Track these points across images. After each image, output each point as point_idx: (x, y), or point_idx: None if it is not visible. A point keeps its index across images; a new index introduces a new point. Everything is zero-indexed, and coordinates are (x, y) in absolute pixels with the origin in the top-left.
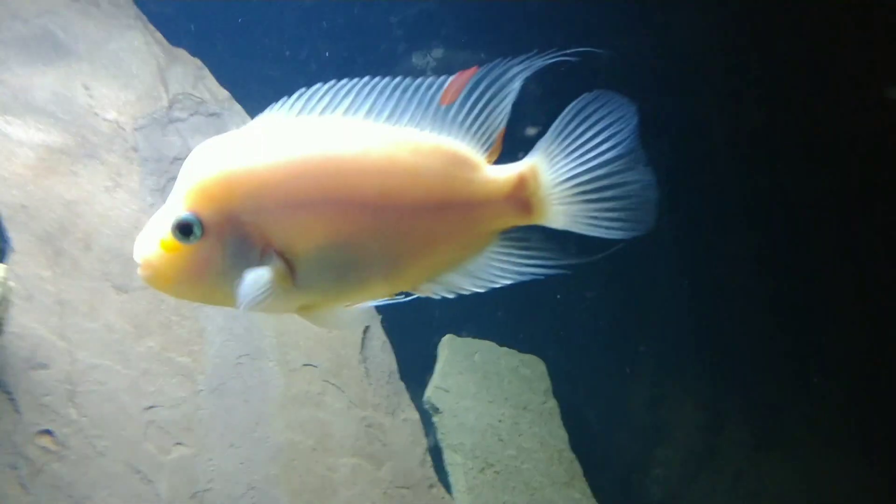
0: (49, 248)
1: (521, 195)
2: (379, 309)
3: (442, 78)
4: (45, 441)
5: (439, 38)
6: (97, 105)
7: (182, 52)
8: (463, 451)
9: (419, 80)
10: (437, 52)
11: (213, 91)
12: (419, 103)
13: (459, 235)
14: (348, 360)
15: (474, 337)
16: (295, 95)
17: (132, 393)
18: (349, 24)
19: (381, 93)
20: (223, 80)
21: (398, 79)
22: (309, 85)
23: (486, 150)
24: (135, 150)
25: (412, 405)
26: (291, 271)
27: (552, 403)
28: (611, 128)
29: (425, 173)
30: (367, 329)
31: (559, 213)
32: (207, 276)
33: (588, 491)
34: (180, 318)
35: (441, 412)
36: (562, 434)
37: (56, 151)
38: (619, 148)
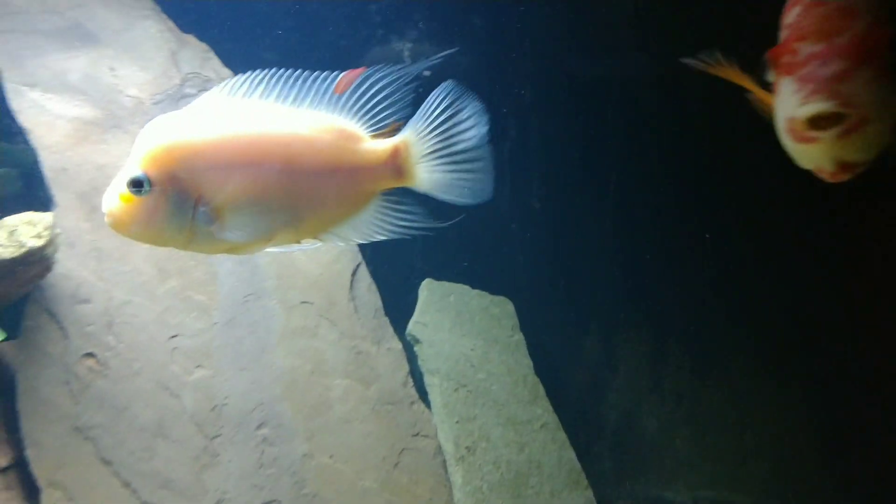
0: (86, 205)
1: (395, 162)
2: (368, 258)
3: (336, 73)
4: (90, 363)
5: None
6: (121, 84)
7: (191, 38)
8: (439, 375)
9: (320, 72)
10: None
11: (217, 71)
12: (317, 91)
13: (347, 194)
14: (339, 298)
15: (450, 281)
16: (225, 82)
17: (159, 324)
18: (335, 12)
19: (288, 82)
20: (226, 62)
21: (303, 71)
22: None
23: (375, 130)
24: None
25: (395, 337)
26: (219, 219)
27: (518, 337)
28: (464, 115)
29: (319, 144)
30: (354, 272)
31: (424, 179)
32: (156, 221)
33: (550, 408)
34: (196, 263)
35: (420, 342)
36: (526, 362)
37: (88, 123)
38: (469, 132)
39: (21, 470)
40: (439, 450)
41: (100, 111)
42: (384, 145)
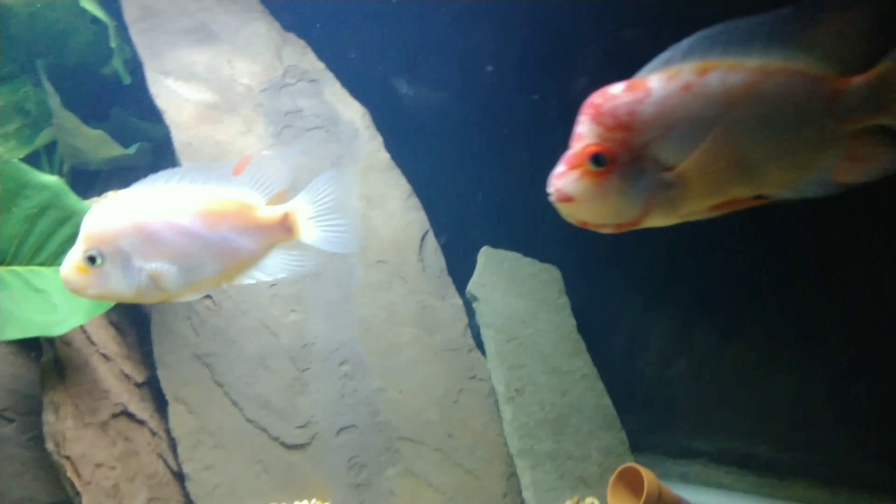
0: None
1: (285, 223)
2: (436, 230)
3: (235, 161)
4: (208, 303)
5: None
6: (236, 74)
7: (292, 36)
8: (494, 328)
9: (223, 163)
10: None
11: (313, 64)
12: (221, 174)
13: (252, 248)
14: (409, 259)
15: (505, 250)
16: (153, 176)
17: None
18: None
19: (199, 171)
20: (320, 56)
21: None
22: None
23: (269, 197)
24: (261, 106)
25: (457, 294)
26: (157, 277)
27: (564, 300)
28: (335, 192)
29: (227, 213)
30: (423, 237)
31: (308, 235)
32: (107, 287)
33: (590, 362)
34: None
35: (478, 300)
36: (571, 322)
37: (209, 106)
38: (338, 204)
39: (153, 386)
40: (492, 391)
41: (219, 96)
42: (277, 211)
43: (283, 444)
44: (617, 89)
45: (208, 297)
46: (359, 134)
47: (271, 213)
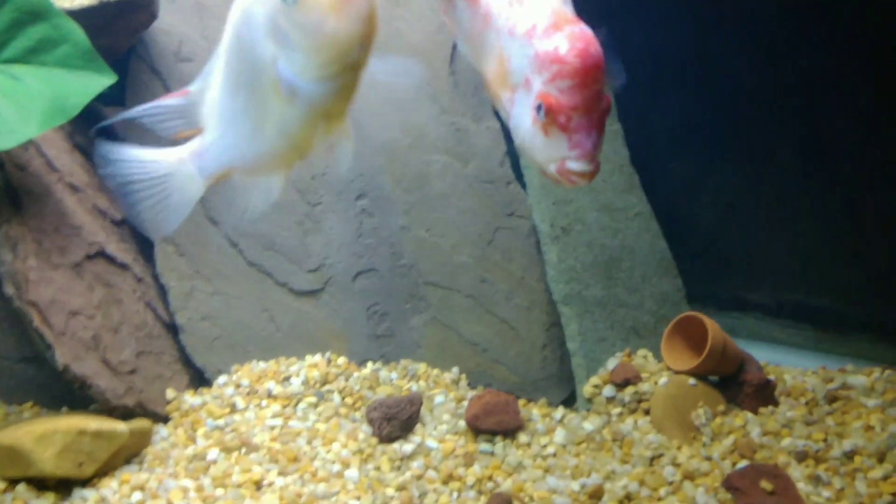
0: None
1: None
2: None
3: None
4: None
5: None
6: None
7: None
8: None
9: None
10: None
11: None
12: None
13: None
14: (439, 72)
15: None
16: None
17: None
18: None
19: None
20: None
21: None
22: None
23: None
24: None
25: (494, 116)
26: None
27: (616, 126)
28: None
29: None
30: (455, 46)
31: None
32: None
33: (644, 198)
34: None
35: None
36: (624, 152)
37: None
38: None
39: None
40: (533, 230)
41: None
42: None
43: (291, 290)
44: None
45: None
46: None
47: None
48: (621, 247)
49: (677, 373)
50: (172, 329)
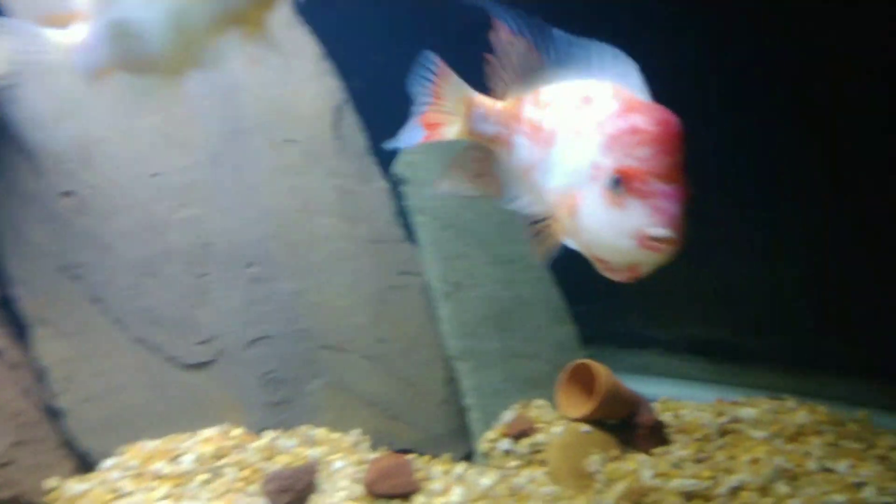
0: None
1: None
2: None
3: None
4: (69, 202)
5: None
6: None
7: None
8: (427, 213)
9: None
10: None
11: None
12: None
13: None
14: (324, 136)
15: None
16: None
17: (139, 162)
18: None
19: None
20: None
21: None
22: None
23: None
24: None
25: (382, 175)
26: None
27: None
28: None
29: None
30: (339, 109)
31: None
32: None
33: None
34: (175, 100)
35: (408, 182)
36: None
37: None
38: None
39: (7, 308)
40: (427, 287)
41: None
42: None
43: (181, 364)
44: None
45: (69, 193)
46: None
47: None
48: (515, 298)
49: (572, 421)
50: (53, 413)
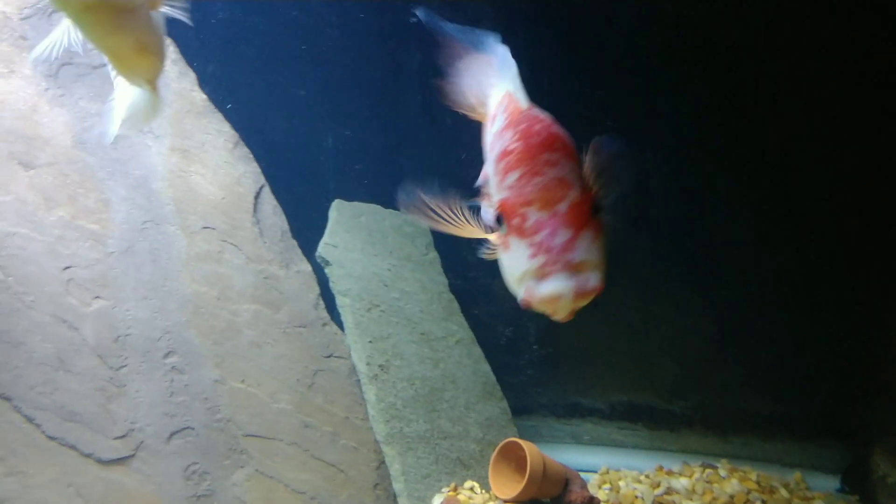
0: None
1: None
2: (273, 183)
3: None
4: None
5: None
6: None
7: None
8: (351, 295)
9: None
10: None
11: None
12: None
13: None
14: (242, 222)
15: (361, 201)
16: None
17: (50, 255)
18: None
19: None
20: None
21: None
22: None
23: None
24: (24, 38)
25: (304, 259)
26: None
27: (433, 255)
28: None
29: None
30: (258, 194)
31: None
32: None
33: (465, 324)
34: (85, 190)
35: (331, 264)
36: (441, 280)
37: None
38: None
39: None
40: (353, 370)
41: None
42: None
43: (98, 460)
44: None
45: None
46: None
47: None
48: (443, 376)
49: (505, 502)
50: None
